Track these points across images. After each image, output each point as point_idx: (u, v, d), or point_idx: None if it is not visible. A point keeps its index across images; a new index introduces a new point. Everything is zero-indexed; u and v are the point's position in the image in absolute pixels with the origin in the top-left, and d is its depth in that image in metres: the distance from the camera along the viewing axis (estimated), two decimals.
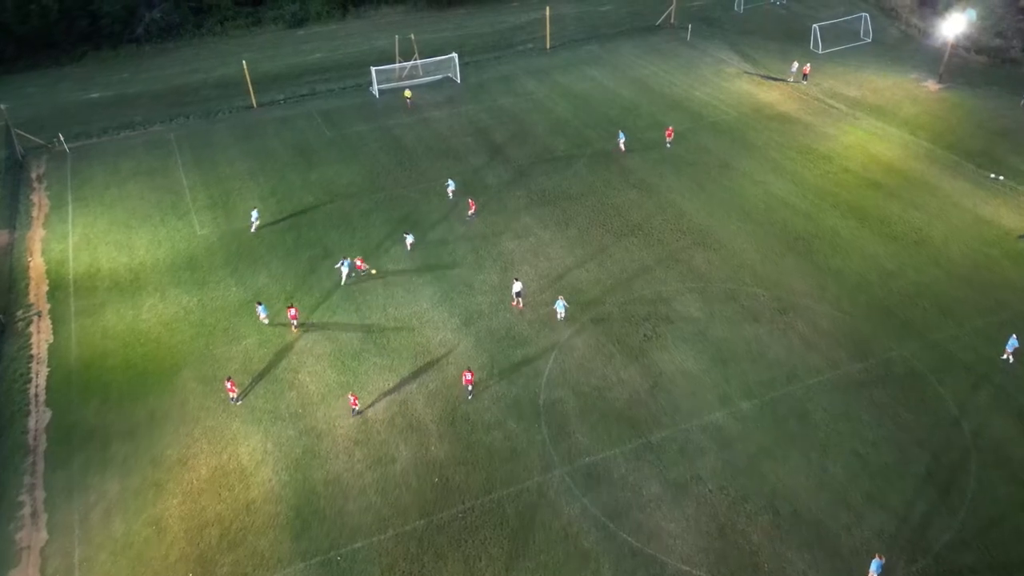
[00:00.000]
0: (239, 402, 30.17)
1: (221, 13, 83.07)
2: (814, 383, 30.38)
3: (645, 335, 33.20)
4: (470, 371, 30.00)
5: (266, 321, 34.21)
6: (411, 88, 58.18)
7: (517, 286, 34.87)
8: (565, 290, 36.05)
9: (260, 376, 31.60)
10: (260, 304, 34.10)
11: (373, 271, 37.26)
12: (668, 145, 48.08)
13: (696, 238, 39.64)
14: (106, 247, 40.44)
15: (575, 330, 33.71)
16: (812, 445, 27.69)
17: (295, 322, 34.12)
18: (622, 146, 47.90)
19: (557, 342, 33.01)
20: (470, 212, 41.61)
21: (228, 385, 29.92)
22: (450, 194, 43.41)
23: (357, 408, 29.61)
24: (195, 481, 27.12)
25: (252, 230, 41.02)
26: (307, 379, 31.40)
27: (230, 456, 28.09)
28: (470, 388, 30.09)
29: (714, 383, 30.62)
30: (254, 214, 41.41)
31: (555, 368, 31.62)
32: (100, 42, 77.58)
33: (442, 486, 26.75)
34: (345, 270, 36.75)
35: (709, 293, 35.57)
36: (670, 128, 48.02)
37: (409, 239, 39.13)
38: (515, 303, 35.11)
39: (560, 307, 34.03)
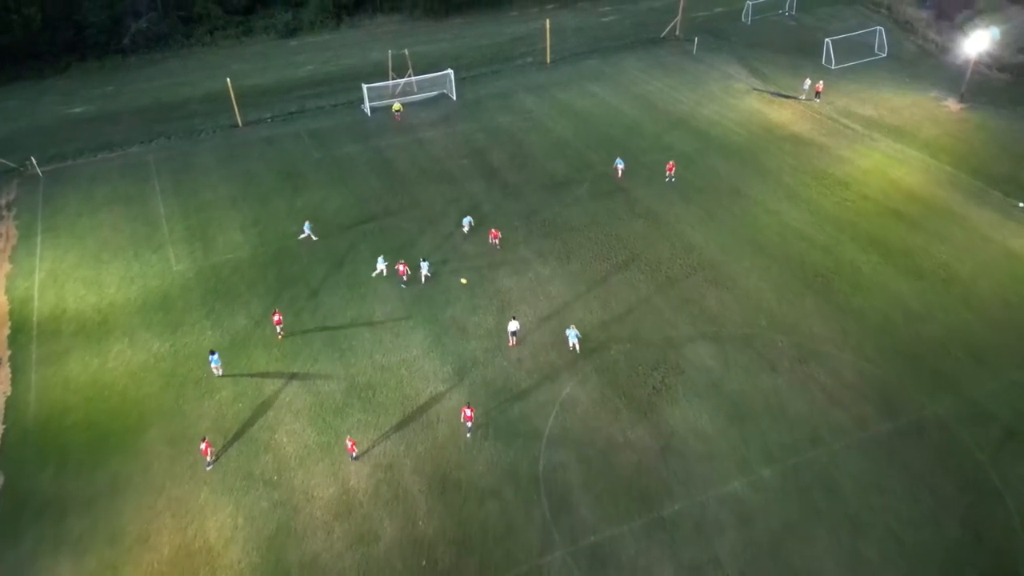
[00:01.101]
0: (210, 467, 27.46)
1: (211, 22, 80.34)
2: (840, 447, 27.67)
3: (654, 387, 30.49)
4: (470, 407, 28.10)
5: (218, 373, 31.42)
6: (405, 104, 55.49)
7: (513, 325, 32.29)
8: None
9: (234, 436, 28.87)
10: (213, 354, 31.28)
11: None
12: (669, 180, 44.59)
13: (708, 274, 36.93)
14: (74, 284, 37.70)
15: (578, 380, 31.01)
16: (842, 522, 24.96)
17: (279, 327, 33.28)
18: (619, 172, 45.15)
19: (558, 395, 30.30)
20: (493, 241, 38.89)
21: (203, 446, 27.20)
22: (466, 230, 40.18)
23: (355, 454, 27.41)
24: (155, 563, 24.37)
25: (302, 237, 40.18)
26: (284, 439, 28.67)
27: (196, 532, 25.35)
28: (469, 425, 28.05)
29: (731, 445, 27.90)
30: (307, 227, 40.20)
31: (556, 426, 28.90)
32: (85, 53, 74.86)
33: (430, 570, 24.03)
34: (381, 266, 37.11)
35: (723, 338, 32.87)
36: (671, 163, 44.75)
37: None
38: (511, 343, 32.48)
39: (572, 336, 31.93)
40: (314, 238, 40.03)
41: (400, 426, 29.06)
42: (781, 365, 31.42)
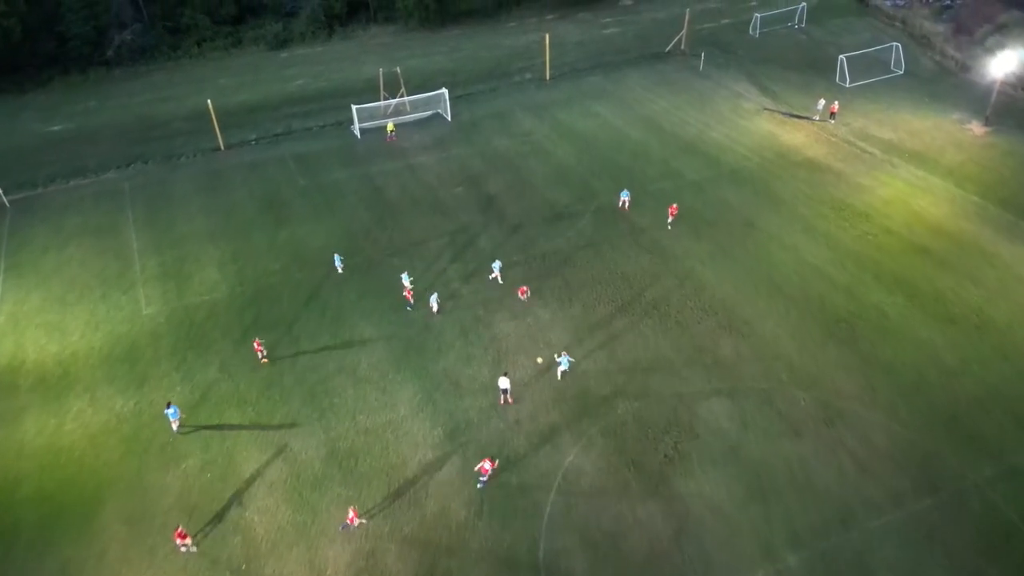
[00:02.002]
0: (191, 550, 24.57)
1: (199, 33, 77.67)
2: (875, 527, 24.81)
3: (666, 455, 27.64)
4: (492, 461, 25.94)
5: (175, 427, 28.68)
6: (397, 125, 52.69)
7: (504, 383, 29.47)
8: (570, 388, 30.58)
9: (200, 514, 25.98)
10: (170, 406, 28.57)
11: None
12: (669, 225, 40.53)
13: (721, 319, 34.08)
14: (35, 331, 34.84)
15: (582, 446, 28.15)
16: None
17: (261, 353, 31.99)
18: (626, 205, 42.25)
19: (561, 464, 27.43)
20: (522, 296, 35.29)
21: (178, 538, 24.14)
22: (498, 277, 36.67)
23: (355, 524, 24.87)
24: None
25: (340, 271, 37.77)
26: (256, 518, 25.78)
27: None
28: (483, 478, 25.34)
29: (753, 526, 25.04)
30: (337, 259, 37.78)
31: (559, 502, 26.03)
32: (68, 65, 72.17)
33: None
34: (406, 283, 35.49)
35: (740, 395, 30.03)
36: (674, 206, 40.79)
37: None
38: (501, 401, 29.73)
39: (564, 363, 30.23)
40: (340, 270, 37.63)
41: (384, 502, 26.18)
42: (805, 428, 28.57)
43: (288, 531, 25.29)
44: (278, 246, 40.42)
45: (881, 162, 46.58)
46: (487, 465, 25.84)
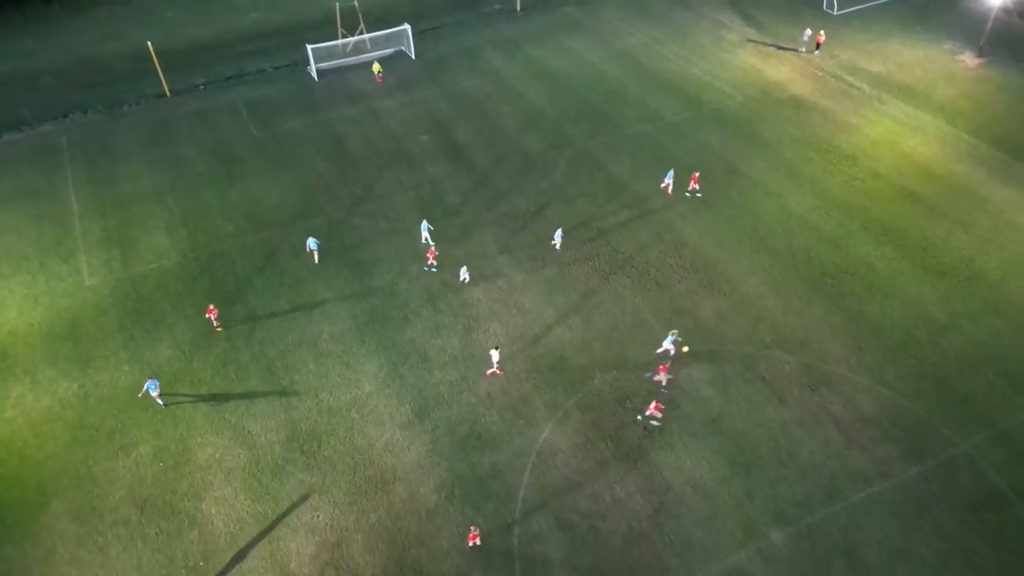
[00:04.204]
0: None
1: None
2: (860, 500, 23.94)
3: (645, 427, 26.36)
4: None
5: (161, 402, 26.93)
6: (358, 65, 49.01)
7: (496, 356, 27.74)
8: (544, 357, 29.03)
9: (153, 507, 24.43)
10: (150, 381, 26.82)
11: (684, 348, 28.52)
12: (695, 194, 36.79)
13: (702, 277, 32.40)
14: None
15: (558, 420, 26.78)
16: None
17: (216, 321, 30.26)
18: (670, 189, 36.86)
19: (535, 441, 26.09)
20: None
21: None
22: (557, 244, 33.77)
23: (478, 542, 22.65)
24: None
25: (316, 259, 33.78)
26: (213, 510, 24.30)
27: None
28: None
29: (735, 502, 24.06)
30: (312, 243, 33.59)
31: (533, 483, 24.80)
32: (3, 1, 66.30)
33: None
34: (424, 232, 34.05)
35: (721, 360, 28.66)
36: (695, 174, 36.74)
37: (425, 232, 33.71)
38: (492, 371, 28.21)
39: (670, 341, 28.26)
40: (318, 255, 33.79)
41: (350, 489, 24.77)
42: (789, 394, 27.37)
43: (248, 522, 23.89)
44: (231, 205, 37.64)
45: (869, 98, 44.21)
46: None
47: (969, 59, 46.82)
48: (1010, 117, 41.48)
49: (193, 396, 27.93)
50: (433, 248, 32.86)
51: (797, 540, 22.99)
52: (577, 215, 36.20)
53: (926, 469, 24.73)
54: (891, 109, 43.14)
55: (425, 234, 34.06)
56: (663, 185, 36.97)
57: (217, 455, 25.92)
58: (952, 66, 46.53)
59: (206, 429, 26.79)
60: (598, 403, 27.27)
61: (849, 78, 46.29)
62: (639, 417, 26.20)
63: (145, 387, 26.87)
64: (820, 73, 47.01)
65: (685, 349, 28.67)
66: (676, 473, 24.94)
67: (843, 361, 28.48)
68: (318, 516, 23.99)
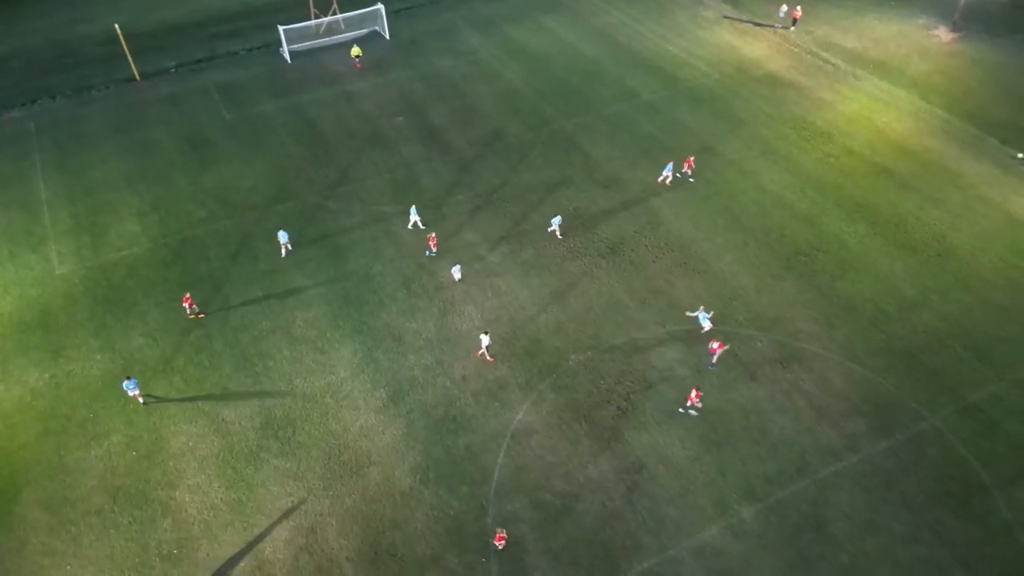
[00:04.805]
0: None
1: None
2: (829, 474, 24.29)
3: (619, 407, 26.53)
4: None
5: (141, 400, 26.74)
6: (330, 47, 48.32)
7: (485, 340, 27.70)
8: (520, 340, 29.06)
9: (126, 495, 24.35)
10: (128, 380, 26.44)
11: (727, 346, 27.69)
12: (688, 178, 36.46)
13: (677, 257, 32.48)
14: None
15: (532, 402, 26.89)
16: (834, 575, 21.81)
17: (192, 309, 29.95)
18: (668, 181, 36.35)
19: (510, 423, 26.20)
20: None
21: None
22: (557, 231, 33.37)
23: (435, 250, 24.75)
24: None
25: (284, 253, 33.03)
26: (186, 498, 24.26)
27: None
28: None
29: (707, 479, 24.33)
30: (282, 236, 32.64)
31: (507, 465, 24.94)
32: None
33: None
34: (414, 218, 33.72)
35: (695, 338, 28.80)
36: (689, 159, 36.62)
37: (457, 272, 31.39)
38: (481, 355, 28.17)
39: (703, 318, 28.33)
40: (288, 248, 33.09)
41: (325, 473, 24.80)
42: (761, 371, 27.62)
43: (222, 510, 23.88)
44: (203, 190, 37.18)
45: (844, 74, 44.21)
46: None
47: (943, 34, 46.89)
48: (983, 92, 41.67)
49: (166, 384, 27.74)
50: (433, 235, 32.49)
51: (767, 515, 23.31)
52: (553, 197, 36.08)
53: (895, 443, 25.10)
54: (866, 85, 43.18)
55: (415, 219, 33.76)
56: (660, 179, 36.18)
57: (190, 443, 25.83)
58: (926, 41, 46.58)
59: (179, 417, 26.66)
60: (572, 384, 27.38)
61: (824, 54, 46.24)
62: (680, 409, 25.99)
63: (123, 387, 26.50)
64: (796, 49, 46.91)
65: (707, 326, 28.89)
66: (649, 452, 25.16)
67: (814, 338, 28.73)
68: (292, 502, 24.03)
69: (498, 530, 22.14)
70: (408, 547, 22.79)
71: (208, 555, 22.74)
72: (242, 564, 22.49)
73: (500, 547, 22.09)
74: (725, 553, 22.40)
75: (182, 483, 24.66)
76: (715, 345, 27.31)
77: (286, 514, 23.70)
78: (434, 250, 32.58)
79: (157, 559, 22.69)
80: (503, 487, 24.29)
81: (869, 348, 28.22)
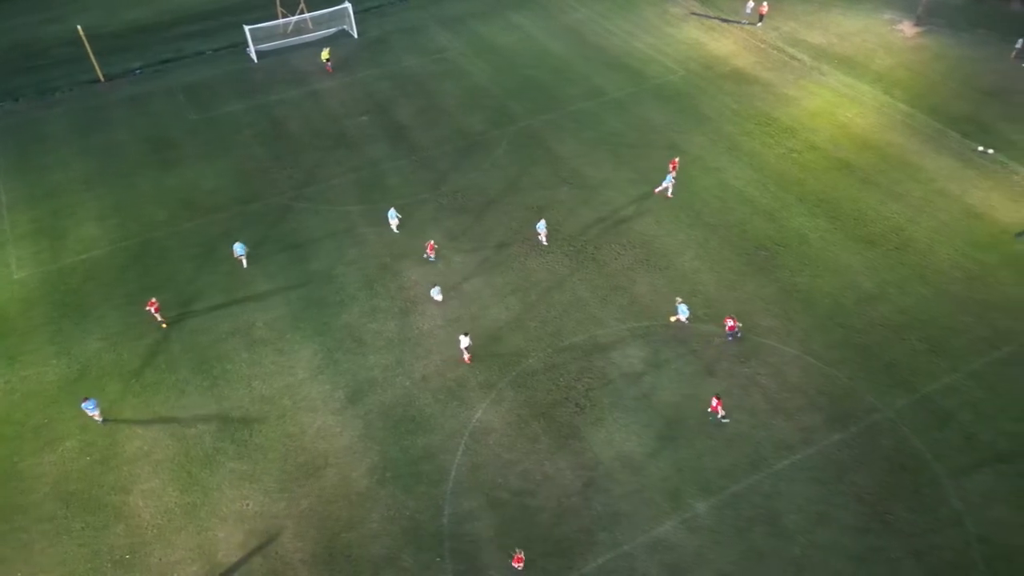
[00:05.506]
0: None
1: None
2: (784, 467, 24.46)
3: (578, 404, 26.60)
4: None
5: (100, 420, 26.35)
6: (299, 46, 48.05)
7: (465, 341, 27.56)
8: (480, 338, 29.04)
9: (79, 501, 24.16)
10: (87, 400, 25.76)
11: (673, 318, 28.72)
12: (668, 181, 35.07)
13: (639, 254, 32.58)
14: None
15: (492, 400, 26.90)
16: (786, 567, 21.96)
17: (159, 316, 29.53)
18: (670, 192, 35.15)
19: (468, 422, 26.21)
20: (430, 254, 32.29)
21: None
22: (543, 238, 32.93)
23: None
24: None
25: (244, 264, 32.50)
26: (140, 502, 24.10)
27: None
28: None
29: (662, 474, 24.44)
30: (238, 248, 32.08)
31: (465, 464, 24.95)
32: None
33: None
34: (394, 221, 33.52)
35: (655, 335, 28.92)
36: (675, 160, 35.90)
37: (436, 294, 30.35)
38: (463, 358, 28.09)
39: (683, 311, 28.69)
40: (244, 260, 32.47)
41: (281, 476, 24.71)
42: (719, 367, 27.76)
43: (176, 514, 23.74)
44: (165, 192, 36.90)
45: (810, 70, 44.48)
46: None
47: (907, 28, 47.27)
48: (945, 86, 42.05)
49: (122, 388, 27.53)
50: (432, 243, 32.11)
51: (721, 509, 23.45)
52: (518, 193, 36.09)
53: (848, 435, 25.31)
54: (830, 80, 43.47)
55: (394, 221, 33.50)
56: (659, 189, 35.49)
57: (145, 447, 25.66)
58: (891, 36, 46.94)
59: (134, 422, 26.47)
60: (532, 382, 27.42)
61: (791, 50, 46.50)
62: (711, 419, 25.76)
63: (82, 407, 25.84)
64: (762, 45, 47.15)
65: (673, 319, 29.18)
66: (606, 448, 25.25)
67: (773, 332, 28.92)
68: (248, 505, 23.92)
69: (516, 551, 21.77)
70: (363, 548, 22.75)
71: (160, 560, 22.61)
72: (194, 568, 22.37)
73: (519, 568, 21.66)
74: (678, 547, 22.52)
75: (136, 488, 24.49)
76: (731, 323, 28.04)
77: (241, 517, 23.60)
78: (432, 256, 32.31)
79: (109, 565, 22.52)
80: (460, 486, 24.30)
81: (827, 342, 28.44)
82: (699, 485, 24.09)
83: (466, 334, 27.83)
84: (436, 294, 30.26)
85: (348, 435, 25.86)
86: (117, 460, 25.29)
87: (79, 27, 45.74)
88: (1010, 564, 21.72)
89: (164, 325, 29.70)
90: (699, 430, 25.63)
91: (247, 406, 26.89)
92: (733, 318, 28.25)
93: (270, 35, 48.78)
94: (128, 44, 51.07)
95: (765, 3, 49.02)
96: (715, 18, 50.38)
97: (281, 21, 48.90)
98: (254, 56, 47.59)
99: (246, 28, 46.73)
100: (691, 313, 28.96)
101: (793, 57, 45.80)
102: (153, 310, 29.43)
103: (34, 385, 27.73)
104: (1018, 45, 43.41)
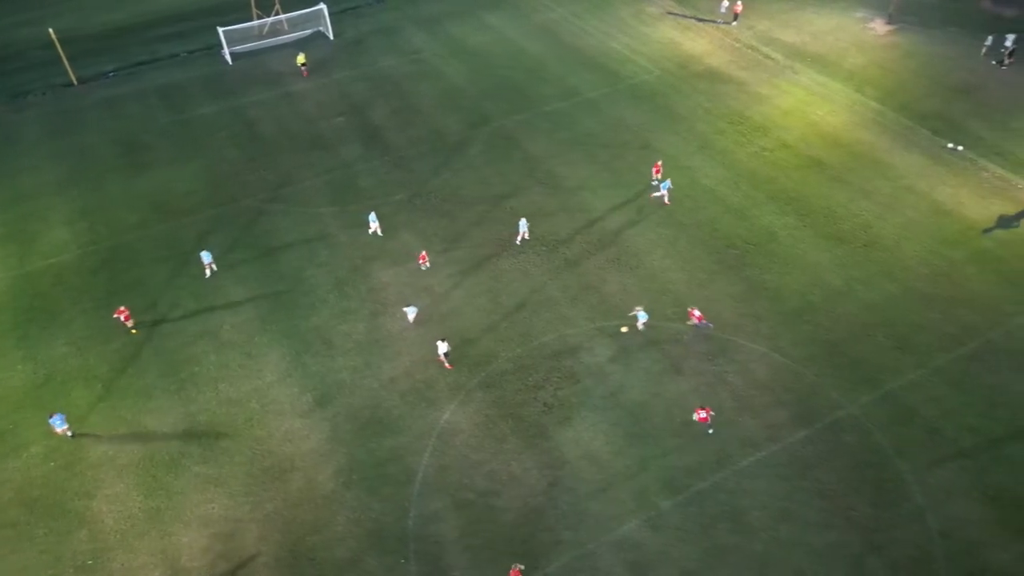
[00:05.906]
0: None
1: None
2: (748, 464, 24.58)
3: (545, 404, 26.65)
4: (518, 569, 21.51)
5: (70, 434, 26.02)
6: (274, 48, 47.91)
7: (443, 347, 27.46)
8: (450, 339, 28.98)
9: (42, 507, 24.00)
10: (55, 416, 25.40)
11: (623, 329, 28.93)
12: (655, 183, 35.47)
13: (610, 253, 32.65)
14: None
15: (460, 401, 26.91)
16: (749, 564, 22.07)
17: (130, 323, 29.34)
18: (666, 198, 34.81)
19: (436, 423, 26.20)
20: (423, 264, 32.06)
21: None
22: (524, 234, 32.90)
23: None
24: None
25: (209, 273, 31.93)
26: (103, 508, 23.97)
27: None
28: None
29: (628, 472, 24.51)
30: (205, 256, 31.74)
31: (431, 465, 24.94)
32: None
33: None
34: (374, 225, 33.39)
35: (623, 335, 28.99)
36: (658, 163, 36.12)
37: (411, 313, 29.44)
38: (441, 361, 27.90)
39: (642, 316, 28.63)
40: (213, 268, 31.98)
41: (247, 479, 24.63)
42: (687, 365, 27.86)
43: (139, 519, 23.63)
44: (136, 195, 36.72)
45: (783, 68, 44.71)
46: (517, 568, 21.57)
47: (879, 26, 47.59)
48: (916, 83, 42.36)
49: (88, 393, 27.39)
50: (424, 253, 31.87)
51: (685, 507, 23.54)
52: (491, 194, 36.12)
53: (813, 432, 25.45)
54: (803, 79, 43.71)
55: (374, 226, 33.35)
56: (657, 195, 35.20)
57: (111, 452, 25.52)
58: (863, 34, 47.23)
59: (100, 426, 26.33)
60: (501, 382, 27.45)
61: (765, 49, 46.72)
62: (710, 432, 25.45)
63: (50, 422, 25.46)
64: (737, 44, 47.35)
65: (624, 330, 29.13)
66: (573, 447, 25.30)
67: (741, 330, 29.05)
68: (213, 508, 23.84)
69: (516, 565, 21.55)
70: (327, 550, 22.71)
71: (123, 565, 22.50)
72: (156, 573, 22.26)
73: None
74: (643, 546, 22.59)
75: (100, 492, 24.36)
76: (698, 313, 28.37)
77: (205, 521, 23.51)
78: (426, 265, 32.11)
79: (71, 571, 22.39)
80: (427, 487, 24.30)
81: (794, 339, 28.59)
82: (665, 483, 24.17)
83: (444, 339, 27.73)
84: (411, 313, 29.41)
85: (315, 438, 25.81)
86: (82, 465, 25.15)
87: (51, 30, 45.38)
88: (970, 558, 21.90)
89: (134, 331, 29.52)
90: (666, 428, 25.71)
91: (214, 409, 26.80)
92: (698, 311, 28.42)
93: (245, 37, 48.60)
94: (102, 47, 50.80)
95: (740, 2, 49.22)
96: (690, 17, 50.58)
97: (256, 23, 48.74)
98: (229, 58, 47.41)
99: (220, 30, 46.54)
100: (649, 318, 28.70)
101: (767, 56, 46.02)
102: (123, 318, 29.25)
103: None
104: (988, 42, 43.79)
